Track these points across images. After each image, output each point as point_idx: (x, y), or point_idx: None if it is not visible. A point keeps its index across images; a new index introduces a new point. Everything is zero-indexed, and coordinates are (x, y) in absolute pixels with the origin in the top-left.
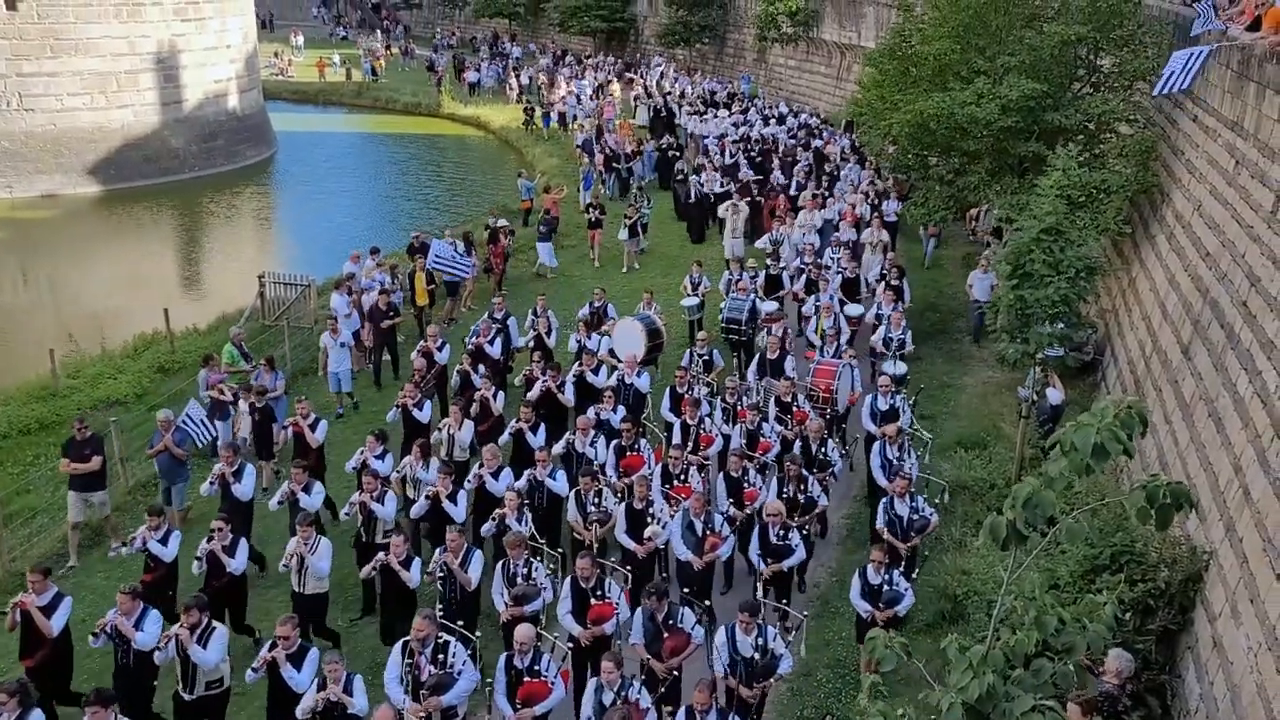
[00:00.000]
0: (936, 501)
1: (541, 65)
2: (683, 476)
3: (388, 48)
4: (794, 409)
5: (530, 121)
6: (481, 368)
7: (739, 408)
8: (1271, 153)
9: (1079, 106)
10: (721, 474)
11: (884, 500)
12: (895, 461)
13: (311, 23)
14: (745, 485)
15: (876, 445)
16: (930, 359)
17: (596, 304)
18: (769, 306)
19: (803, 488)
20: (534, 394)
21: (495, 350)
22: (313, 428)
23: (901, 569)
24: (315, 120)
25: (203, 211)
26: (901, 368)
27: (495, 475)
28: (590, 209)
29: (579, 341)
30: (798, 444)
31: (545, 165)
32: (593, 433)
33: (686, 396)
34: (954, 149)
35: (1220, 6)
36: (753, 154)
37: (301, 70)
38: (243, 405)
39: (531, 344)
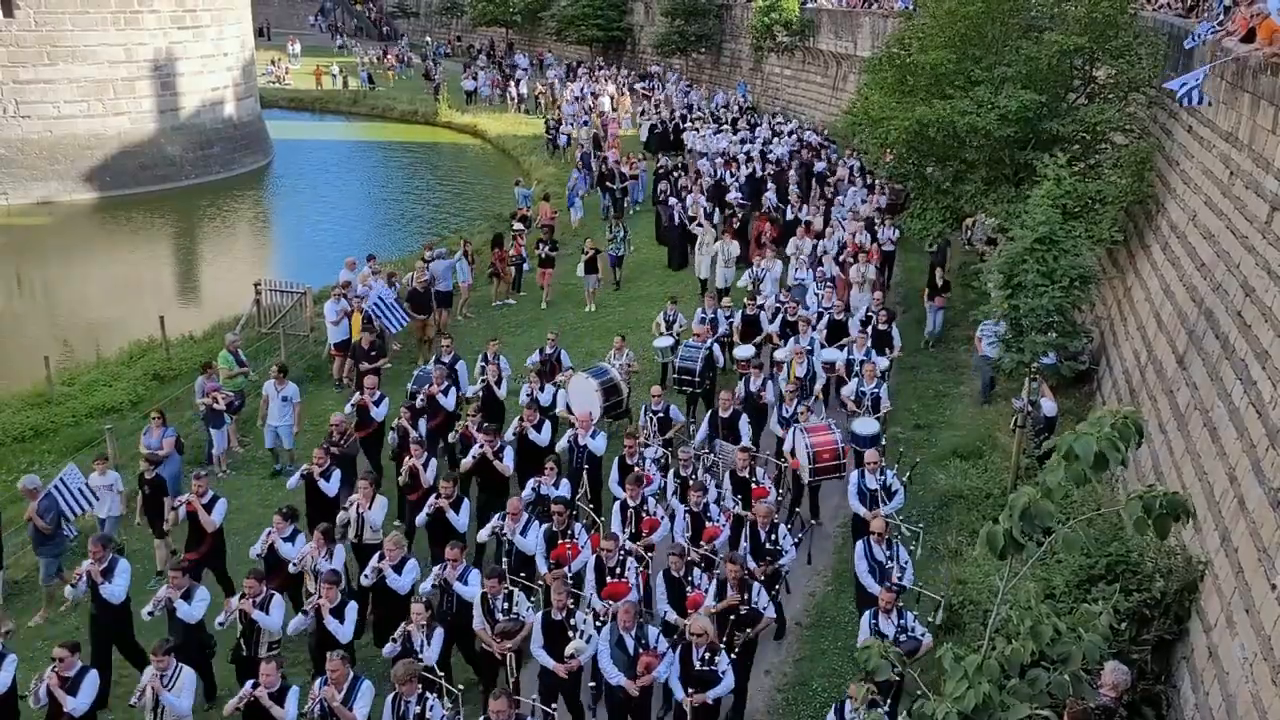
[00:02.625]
0: (930, 619)
1: (554, 75)
2: (619, 570)
3: (385, 53)
4: (753, 484)
5: (554, 143)
6: (423, 424)
7: (691, 483)
8: (1266, 163)
9: (1075, 116)
10: (661, 574)
11: (867, 614)
12: (885, 564)
13: (308, 31)
14: (688, 588)
15: (860, 545)
16: (926, 368)
17: (549, 350)
18: (745, 351)
19: (746, 597)
20: (467, 462)
21: (449, 402)
22: (209, 507)
23: (888, 705)
24: (312, 128)
25: (199, 219)
26: (872, 426)
27: (398, 569)
28: (541, 244)
29: (530, 394)
30: (745, 531)
31: (542, 174)
32: (525, 517)
33: (637, 468)
34: (951, 158)
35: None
36: (757, 175)
37: (298, 78)
38: (106, 477)
39: (481, 394)
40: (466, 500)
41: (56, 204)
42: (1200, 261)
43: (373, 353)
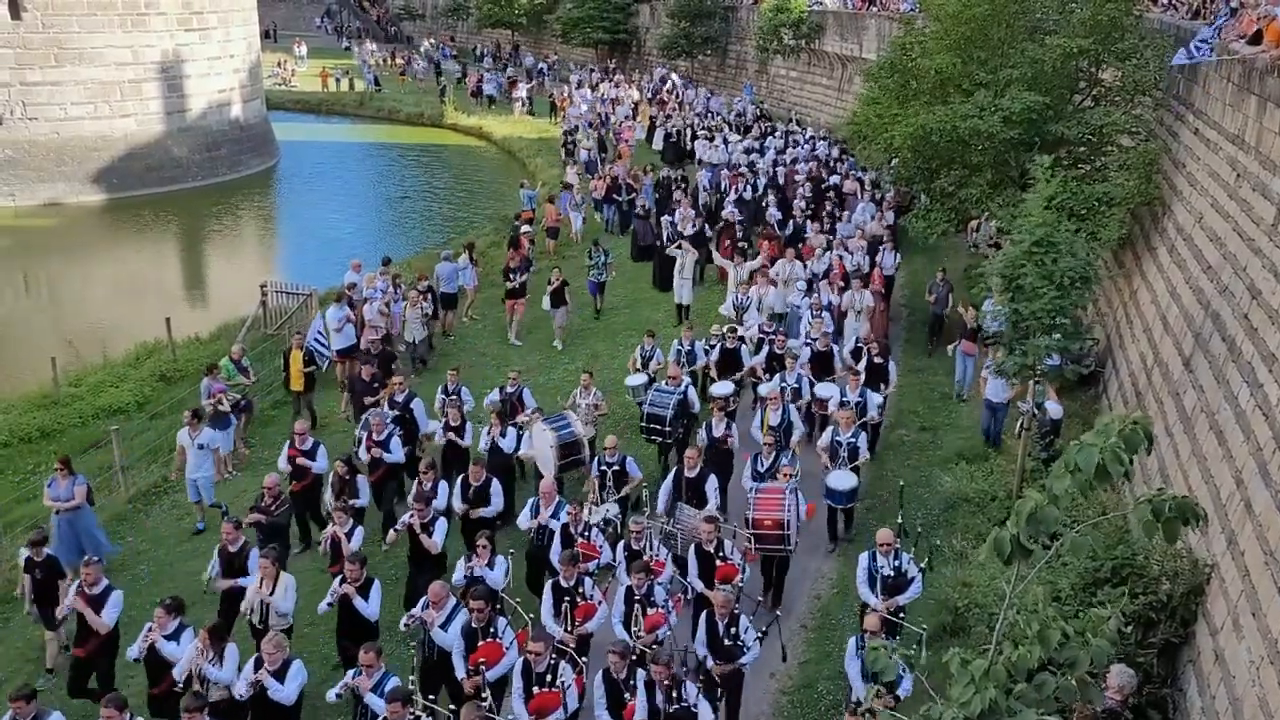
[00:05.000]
0: None
1: (577, 79)
2: (549, 677)
3: (392, 55)
4: (719, 560)
5: (571, 154)
6: (362, 479)
7: (638, 560)
8: (1273, 166)
9: (1081, 119)
10: (600, 675)
11: None
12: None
13: (314, 33)
14: (627, 695)
15: (852, 642)
16: (932, 370)
17: (510, 389)
18: (723, 389)
19: (676, 695)
20: (391, 538)
21: (396, 453)
22: (99, 603)
23: None
24: (318, 130)
25: (205, 220)
26: (849, 480)
27: (279, 676)
28: (511, 274)
29: (490, 438)
30: (702, 624)
31: (547, 175)
32: (451, 603)
33: (580, 543)
34: (955, 161)
35: (1221, 29)
36: (759, 190)
37: (304, 80)
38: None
39: (441, 437)
40: (378, 583)
41: (63, 205)
42: (1206, 264)
43: (374, 385)
